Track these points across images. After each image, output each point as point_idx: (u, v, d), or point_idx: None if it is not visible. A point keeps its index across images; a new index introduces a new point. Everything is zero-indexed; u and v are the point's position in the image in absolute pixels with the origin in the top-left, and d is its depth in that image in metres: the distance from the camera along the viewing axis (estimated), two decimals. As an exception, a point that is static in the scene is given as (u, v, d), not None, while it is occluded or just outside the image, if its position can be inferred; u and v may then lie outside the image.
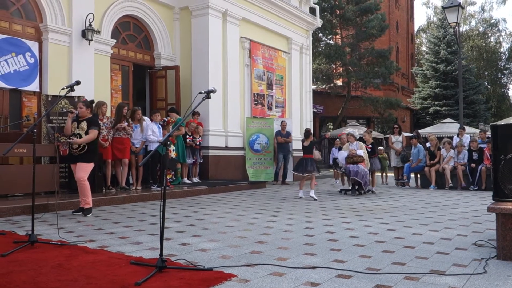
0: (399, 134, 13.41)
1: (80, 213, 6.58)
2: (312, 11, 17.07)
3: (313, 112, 18.78)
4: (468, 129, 20.74)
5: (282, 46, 15.41)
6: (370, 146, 10.88)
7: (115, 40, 10.94)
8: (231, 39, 12.92)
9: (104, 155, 8.63)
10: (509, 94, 49.34)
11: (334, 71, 28.34)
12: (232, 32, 12.95)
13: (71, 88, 5.10)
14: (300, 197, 9.22)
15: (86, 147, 6.49)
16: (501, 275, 3.46)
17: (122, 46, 11.52)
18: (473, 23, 45.68)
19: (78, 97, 8.82)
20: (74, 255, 4.06)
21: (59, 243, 4.50)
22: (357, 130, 12.74)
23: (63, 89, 5.13)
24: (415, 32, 44.71)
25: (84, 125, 6.56)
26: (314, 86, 25.69)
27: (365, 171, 9.90)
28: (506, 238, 3.90)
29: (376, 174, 11.35)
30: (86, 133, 6.52)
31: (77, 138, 6.50)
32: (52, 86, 9.27)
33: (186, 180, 10.85)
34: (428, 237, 5.05)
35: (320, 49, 26.22)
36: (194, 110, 10.95)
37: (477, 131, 17.48)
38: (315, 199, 8.88)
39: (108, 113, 9.48)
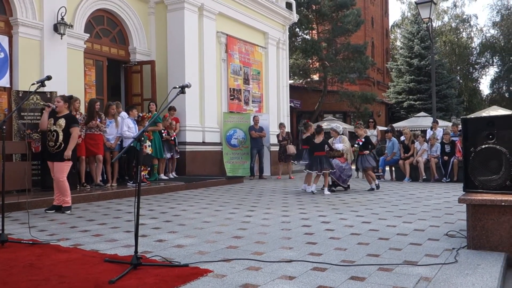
0: (374, 128, 13.57)
1: (53, 211, 6.46)
2: (289, 6, 17.09)
3: (290, 106, 18.86)
4: (441, 122, 21.14)
5: (259, 41, 15.40)
6: (363, 140, 9.98)
7: (88, 35, 10.74)
8: (208, 33, 12.84)
9: (77, 152, 8.46)
10: (481, 88, 50.53)
11: (311, 66, 28.46)
12: (208, 27, 12.87)
13: (41, 83, 5.00)
14: (313, 192, 8.95)
15: (63, 145, 6.35)
16: (471, 264, 3.54)
17: (96, 41, 11.33)
18: (446, 18, 46.44)
19: (50, 92, 8.65)
20: (46, 254, 3.99)
21: (31, 242, 4.41)
22: (337, 124, 12.62)
23: (33, 84, 5.01)
24: (389, 28, 45.25)
25: (62, 122, 6.39)
26: (291, 81, 25.76)
27: (341, 167, 9.35)
28: (476, 228, 3.99)
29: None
30: (64, 130, 6.37)
31: (53, 134, 6.34)
32: (23, 82, 9.04)
33: (163, 176, 10.77)
34: (402, 228, 5.13)
35: (296, 44, 26.27)
36: (170, 105, 10.91)
37: (450, 124, 17.82)
38: (328, 192, 8.89)
39: (82, 109, 9.32)
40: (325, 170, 8.89)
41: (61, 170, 6.38)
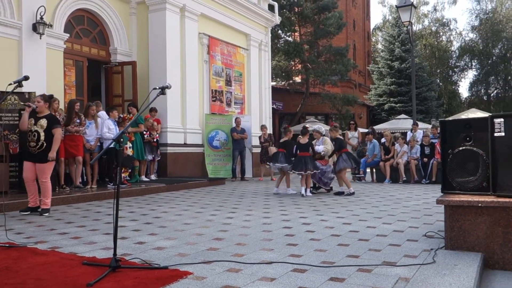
0: (355, 130, 13.69)
1: (28, 212, 6.36)
2: (271, 8, 17.15)
3: (273, 108, 18.89)
4: (421, 124, 21.43)
5: (241, 42, 15.41)
6: (333, 143, 9.71)
7: (68, 35, 10.60)
8: (189, 35, 12.79)
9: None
10: (460, 91, 51.40)
11: (293, 68, 28.57)
12: (190, 28, 12.82)
13: (19, 83, 4.91)
14: (292, 193, 9.06)
15: (45, 145, 6.27)
16: (449, 265, 3.59)
17: (76, 41, 11.19)
18: (426, 22, 47.13)
19: (29, 93, 8.50)
20: (23, 257, 3.92)
21: (7, 245, 4.32)
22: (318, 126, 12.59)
23: (10, 84, 4.92)
24: (371, 31, 45.71)
25: (43, 122, 6.30)
26: (274, 83, 25.83)
27: (322, 169, 9.26)
28: (453, 229, 4.05)
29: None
30: (45, 130, 6.29)
31: (34, 135, 6.25)
32: (0, 82, 8.87)
33: (144, 177, 10.68)
34: (381, 229, 5.18)
35: (279, 46, 26.36)
36: (151, 106, 10.83)
37: (430, 126, 18.07)
38: (305, 195, 8.81)
39: (61, 109, 9.18)
40: (309, 171, 8.83)
41: (43, 171, 6.30)
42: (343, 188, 9.32)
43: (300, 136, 9.53)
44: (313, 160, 9.00)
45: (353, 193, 9.09)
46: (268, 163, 9.81)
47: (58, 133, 6.43)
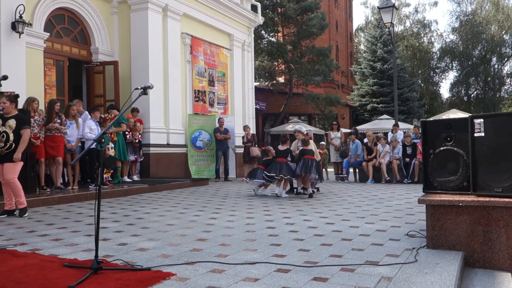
0: (338, 130, 13.79)
1: (5, 215, 6.23)
2: (254, 8, 17.15)
3: (256, 109, 18.91)
4: (403, 125, 21.69)
5: (224, 42, 15.38)
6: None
7: (48, 34, 10.44)
8: (172, 34, 12.72)
9: (37, 154, 8.23)
10: (441, 92, 52.17)
11: (276, 68, 28.66)
12: (172, 28, 12.75)
13: (-3, 83, 4.80)
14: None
15: (13, 145, 6.11)
16: (430, 263, 3.64)
17: (56, 40, 11.03)
18: (408, 23, 47.77)
19: (7, 92, 8.34)
20: (2, 259, 3.83)
21: (-14, 247, 4.24)
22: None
23: (-12, 84, 4.82)
24: (353, 31, 46.11)
25: (12, 123, 6.13)
26: (257, 83, 25.85)
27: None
28: (435, 228, 4.10)
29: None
30: (14, 131, 6.12)
31: (3, 136, 6.08)
32: (-22, 81, 8.70)
33: (126, 178, 10.57)
34: (364, 229, 5.22)
35: (262, 46, 26.43)
36: (133, 106, 10.72)
37: (411, 127, 18.29)
38: (286, 195, 8.85)
39: (42, 109, 9.04)
40: (284, 176, 8.84)
41: (11, 171, 6.12)
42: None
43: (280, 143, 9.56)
44: (289, 166, 8.97)
45: (311, 194, 8.82)
46: (245, 179, 9.71)
47: (27, 134, 6.25)
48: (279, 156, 9.14)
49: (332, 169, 14.38)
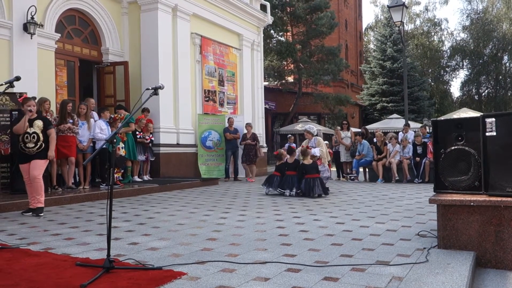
0: (348, 129, 13.75)
1: (30, 213, 6.34)
2: (263, 8, 17.15)
3: (265, 108, 18.90)
4: (413, 124, 21.55)
5: (233, 42, 15.40)
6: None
7: (59, 35, 10.53)
8: (182, 34, 12.76)
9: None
10: (451, 91, 51.81)
11: (286, 68, 28.63)
12: (182, 28, 12.79)
13: (10, 84, 4.88)
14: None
15: (43, 145, 6.44)
16: (442, 264, 3.62)
17: (67, 41, 11.12)
18: (418, 22, 47.49)
19: (20, 93, 8.44)
20: (15, 258, 3.89)
21: (0, 246, 4.30)
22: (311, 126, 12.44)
23: (1, 85, 4.89)
24: (363, 30, 45.90)
25: (39, 123, 6.49)
26: (266, 83, 25.87)
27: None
28: (446, 228, 4.08)
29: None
30: (42, 131, 6.47)
31: (33, 136, 6.39)
32: (-9, 82, 8.81)
33: (136, 178, 10.64)
34: (374, 229, 5.21)
35: (271, 46, 26.40)
36: (143, 107, 10.79)
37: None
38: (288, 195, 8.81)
39: (52, 110, 9.13)
40: (297, 190, 8.81)
41: (38, 167, 6.39)
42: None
43: (288, 155, 9.50)
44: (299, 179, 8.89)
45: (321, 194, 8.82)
46: (263, 185, 9.52)
47: (54, 133, 6.70)
48: (289, 169, 9.17)
49: (334, 168, 14.21)
